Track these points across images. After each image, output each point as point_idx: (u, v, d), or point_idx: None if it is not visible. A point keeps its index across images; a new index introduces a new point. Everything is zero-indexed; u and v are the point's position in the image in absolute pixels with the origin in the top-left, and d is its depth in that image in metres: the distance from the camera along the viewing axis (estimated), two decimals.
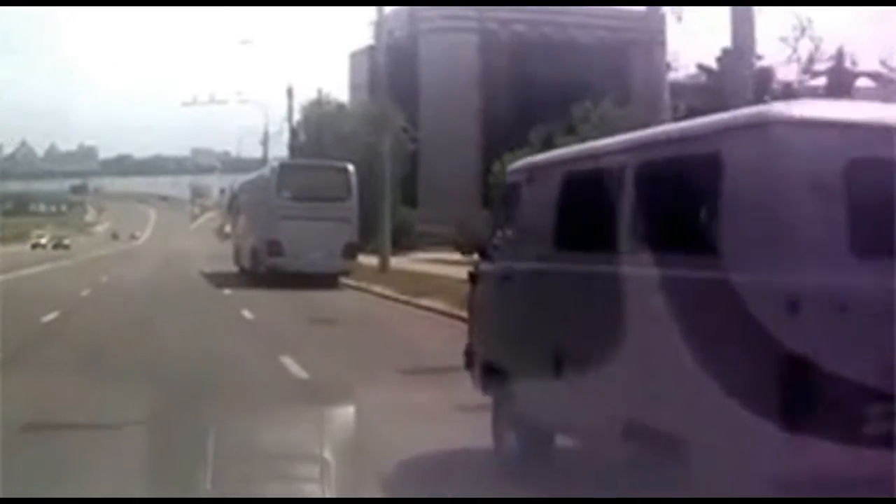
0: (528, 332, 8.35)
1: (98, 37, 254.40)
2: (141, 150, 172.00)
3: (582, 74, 77.57)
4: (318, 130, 64.42)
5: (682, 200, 6.44)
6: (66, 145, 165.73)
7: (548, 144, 65.39)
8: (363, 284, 32.18)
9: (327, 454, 5.87)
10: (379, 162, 40.89)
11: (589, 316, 7.31)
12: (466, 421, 9.85)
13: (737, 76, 17.85)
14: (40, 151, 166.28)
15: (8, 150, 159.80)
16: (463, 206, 72.69)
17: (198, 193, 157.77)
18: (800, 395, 5.37)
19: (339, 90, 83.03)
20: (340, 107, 71.53)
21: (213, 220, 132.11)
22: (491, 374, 8.99)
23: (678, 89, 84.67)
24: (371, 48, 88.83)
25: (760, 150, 5.75)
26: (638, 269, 6.67)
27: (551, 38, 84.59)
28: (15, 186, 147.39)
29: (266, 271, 33.09)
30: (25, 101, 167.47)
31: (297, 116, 64.61)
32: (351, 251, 33.57)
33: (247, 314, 23.31)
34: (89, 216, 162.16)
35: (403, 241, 55.36)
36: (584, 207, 7.67)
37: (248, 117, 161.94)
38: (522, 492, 7.76)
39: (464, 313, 11.63)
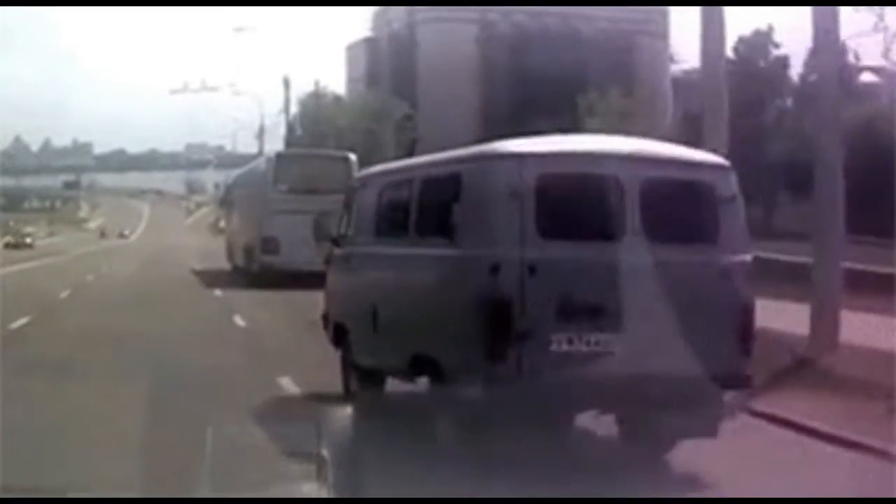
0: (357, 298, 11.34)
1: (92, 29, 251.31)
2: (136, 145, 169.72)
3: (584, 66, 75.13)
4: (315, 123, 61.60)
5: (444, 204, 9.41)
6: (61, 141, 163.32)
7: None
8: None
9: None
10: (380, 153, 38.21)
11: (390, 284, 10.51)
12: None
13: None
14: (35, 147, 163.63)
15: (1, 147, 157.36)
16: None
17: (192, 189, 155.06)
18: (500, 325, 8.46)
19: (336, 83, 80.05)
20: (338, 99, 68.86)
21: (209, 215, 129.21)
22: (338, 331, 11.97)
23: (684, 83, 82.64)
24: (368, 40, 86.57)
25: (481, 173, 9.09)
26: (416, 249, 9.93)
27: (552, 28, 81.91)
28: (8, 182, 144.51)
29: (260, 270, 30.22)
30: (19, 97, 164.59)
31: (293, 109, 61.84)
32: None
33: (238, 321, 20.60)
34: (83, 212, 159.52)
35: None
36: (392, 207, 10.81)
37: (243, 110, 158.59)
38: (361, 414, 10.32)
39: None
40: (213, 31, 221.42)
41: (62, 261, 53.30)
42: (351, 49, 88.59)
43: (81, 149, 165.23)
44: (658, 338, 8.49)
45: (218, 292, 28.20)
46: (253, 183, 34.10)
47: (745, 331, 8.96)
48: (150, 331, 18.03)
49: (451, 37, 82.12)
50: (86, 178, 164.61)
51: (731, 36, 56.03)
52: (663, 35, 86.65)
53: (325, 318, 12.44)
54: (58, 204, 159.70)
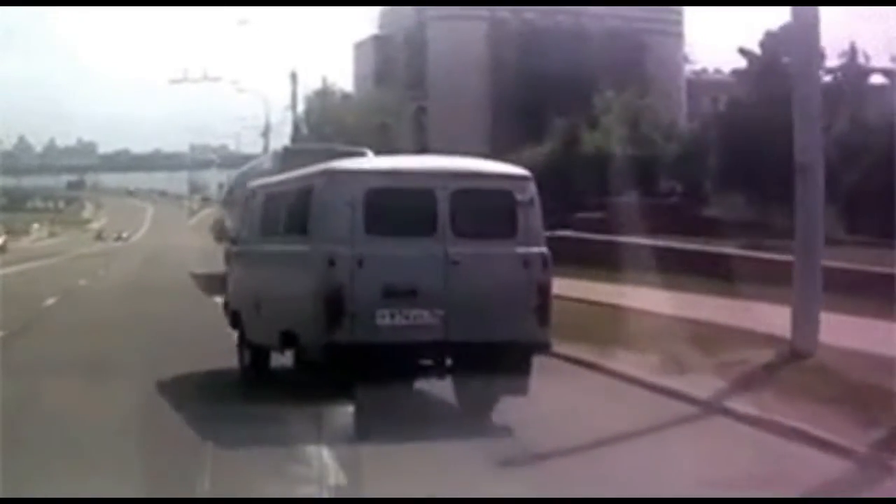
0: (246, 288, 14.05)
1: (96, 27, 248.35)
2: (140, 145, 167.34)
3: (596, 64, 72.13)
4: (322, 121, 58.56)
5: (301, 210, 11.97)
6: (65, 140, 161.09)
7: (571, 138, 60.29)
8: None
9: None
10: (391, 151, 35.20)
11: (266, 276, 13.36)
12: None
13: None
14: (39, 147, 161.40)
15: (6, 147, 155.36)
16: None
17: (195, 188, 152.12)
18: (335, 305, 10.75)
19: (343, 81, 77.04)
20: (346, 96, 65.82)
21: (212, 215, 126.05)
22: (234, 316, 14.53)
23: (704, 85, 79.89)
24: (376, 38, 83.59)
25: (324, 186, 11.52)
26: (283, 247, 12.60)
27: (563, 26, 78.83)
28: (12, 183, 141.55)
29: None
30: (24, 97, 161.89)
31: (299, 107, 58.84)
32: None
33: None
34: (86, 212, 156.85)
35: None
36: (270, 212, 13.51)
37: (247, 108, 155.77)
38: (253, 387, 13.25)
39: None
40: (216, 24, 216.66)
41: (58, 262, 50.33)
42: (359, 47, 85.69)
43: (86, 148, 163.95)
44: (467, 313, 10.96)
45: (219, 299, 25.12)
46: (244, 183, 31.20)
47: (542, 307, 11.27)
48: (139, 344, 16.41)
49: (460, 35, 79.10)
50: (89, 179, 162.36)
51: (757, 31, 53.20)
52: (677, 34, 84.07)
53: (226, 305, 15.28)
54: (61, 204, 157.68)
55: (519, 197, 11.34)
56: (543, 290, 11.24)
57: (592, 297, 22.68)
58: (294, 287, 11.80)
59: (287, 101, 56.71)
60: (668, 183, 59.90)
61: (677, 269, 27.17)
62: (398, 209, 11.18)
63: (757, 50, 51.81)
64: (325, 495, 7.78)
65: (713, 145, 53.61)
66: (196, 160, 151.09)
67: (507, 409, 11.26)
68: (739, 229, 40.94)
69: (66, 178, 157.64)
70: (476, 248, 11.17)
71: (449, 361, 11.16)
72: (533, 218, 11.33)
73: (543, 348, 11.43)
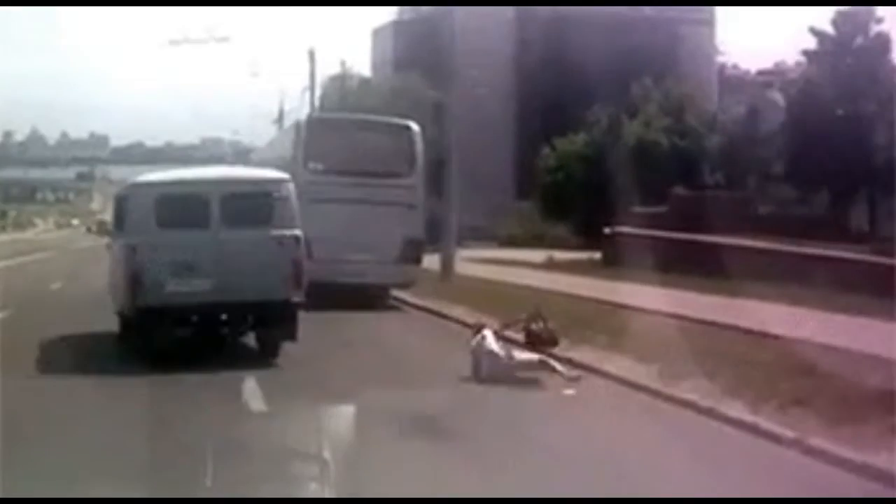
0: (114, 274, 16.36)
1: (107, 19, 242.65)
2: (152, 138, 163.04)
3: (628, 53, 66.73)
4: (340, 107, 52.62)
5: (119, 212, 16.37)
6: (78, 133, 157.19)
7: (613, 126, 54.73)
8: (428, 303, 20.79)
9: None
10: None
11: (112, 260, 17.09)
12: None
13: None
14: (51, 140, 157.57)
15: (19, 138, 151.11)
16: (496, 194, 61.69)
17: None
18: (136, 279, 14.31)
19: (360, 67, 71.21)
20: (365, 81, 60.06)
21: None
22: (112, 297, 16.88)
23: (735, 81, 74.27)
24: (396, 23, 78.00)
25: (128, 193, 16.00)
26: (114, 240, 16.83)
27: (592, 13, 73.08)
28: (23, 174, 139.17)
29: None
30: (37, 90, 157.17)
31: (316, 92, 53.02)
32: (413, 252, 21.71)
33: (250, 385, 11.86)
34: (95, 204, 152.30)
35: (432, 234, 42.86)
36: (114, 213, 17.21)
37: (261, 97, 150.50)
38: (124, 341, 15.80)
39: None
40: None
41: (44, 258, 44.63)
42: (378, 33, 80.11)
43: (98, 141, 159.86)
44: (234, 280, 14.45)
45: None
46: (276, 161, 25.22)
47: (296, 274, 14.78)
48: (111, 364, 14.62)
49: (485, 21, 73.32)
50: (99, 171, 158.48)
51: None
52: (709, 23, 78.52)
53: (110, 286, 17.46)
54: (71, 196, 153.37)
55: (276, 195, 15.07)
56: (296, 262, 14.85)
57: (753, 325, 15.77)
58: (118, 269, 15.70)
59: (302, 86, 50.83)
60: (712, 176, 54.17)
61: (789, 277, 21.47)
62: (181, 209, 14.78)
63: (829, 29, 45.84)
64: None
65: (774, 135, 47.87)
66: (209, 153, 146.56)
67: None
68: (818, 229, 34.91)
69: (76, 170, 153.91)
70: (240, 234, 14.70)
71: (224, 316, 15.00)
72: (288, 209, 14.99)
73: (298, 306, 14.73)
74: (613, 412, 11.31)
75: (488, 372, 12.49)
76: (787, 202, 47.69)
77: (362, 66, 76.25)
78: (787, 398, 10.42)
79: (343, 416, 9.49)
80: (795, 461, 8.90)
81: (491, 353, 12.66)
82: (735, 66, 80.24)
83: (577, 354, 14.21)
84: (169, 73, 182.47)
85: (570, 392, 12.01)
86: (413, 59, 72.44)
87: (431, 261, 25.96)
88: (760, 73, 74.32)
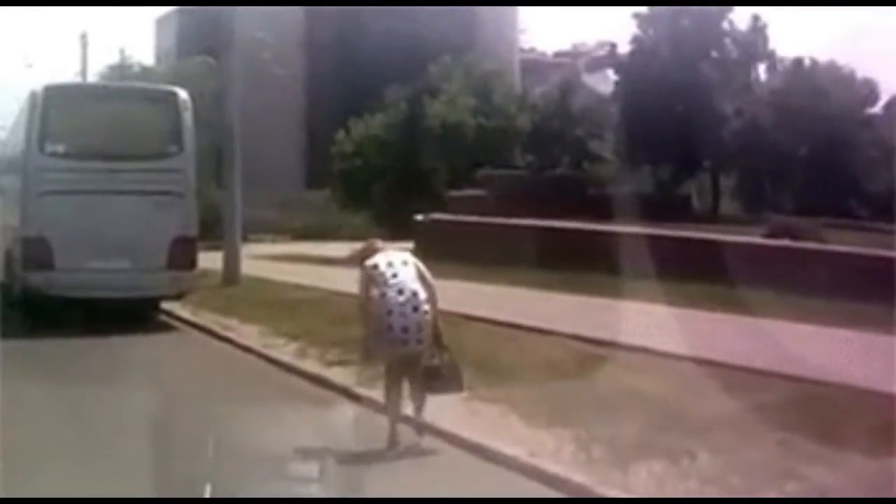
0: None
1: None
2: None
3: (424, 35, 63.10)
4: None
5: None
6: None
7: (414, 107, 50.59)
8: (209, 320, 16.10)
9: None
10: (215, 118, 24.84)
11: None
12: None
13: None
14: None
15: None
16: (287, 184, 57.42)
17: None
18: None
19: (143, 57, 65.48)
20: (147, 69, 54.48)
21: None
22: None
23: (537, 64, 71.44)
24: (181, 11, 72.34)
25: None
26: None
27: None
28: None
29: (23, 295, 16.33)
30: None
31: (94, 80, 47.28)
32: (185, 254, 16.53)
33: None
34: None
35: (216, 230, 36.21)
36: None
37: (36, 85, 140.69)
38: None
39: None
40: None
41: None
42: (161, 22, 74.39)
43: None
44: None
45: None
46: (10, 144, 19.70)
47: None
48: None
49: (273, 10, 68.54)
50: None
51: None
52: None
53: None
54: None
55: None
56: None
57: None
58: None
59: (75, 72, 45.14)
60: (523, 157, 50.72)
61: (670, 267, 17.84)
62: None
63: None
64: None
65: (591, 112, 44.44)
66: None
67: None
68: (657, 209, 31.21)
69: None
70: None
71: None
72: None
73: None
74: None
75: None
76: (615, 181, 43.96)
77: (145, 55, 70.84)
78: None
79: None
80: None
81: None
82: (532, 49, 77.87)
83: None
84: None
85: None
86: (198, 46, 66.94)
87: (212, 259, 21.14)
88: (557, 55, 72.11)
